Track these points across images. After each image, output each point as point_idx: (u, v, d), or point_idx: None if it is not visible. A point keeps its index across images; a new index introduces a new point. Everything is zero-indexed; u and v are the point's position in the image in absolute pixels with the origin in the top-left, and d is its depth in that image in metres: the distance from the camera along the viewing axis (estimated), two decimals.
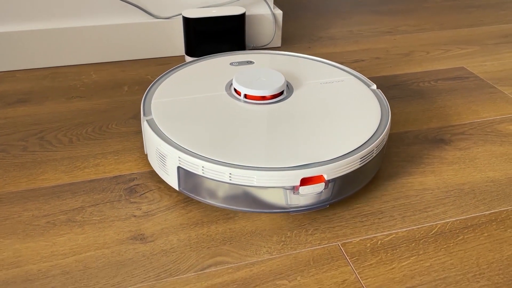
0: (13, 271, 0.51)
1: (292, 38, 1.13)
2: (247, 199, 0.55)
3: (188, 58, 0.99)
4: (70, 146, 0.72)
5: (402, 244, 0.56)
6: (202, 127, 0.60)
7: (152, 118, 0.62)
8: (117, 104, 0.83)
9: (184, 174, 0.56)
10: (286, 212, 0.57)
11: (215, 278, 0.51)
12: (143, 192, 0.62)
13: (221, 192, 0.55)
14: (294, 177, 0.53)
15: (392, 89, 0.91)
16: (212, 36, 0.97)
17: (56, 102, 0.83)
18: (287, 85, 0.71)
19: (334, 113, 0.64)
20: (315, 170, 0.54)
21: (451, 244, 0.56)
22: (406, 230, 0.58)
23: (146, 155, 0.67)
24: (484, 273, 0.52)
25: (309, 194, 0.55)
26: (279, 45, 1.08)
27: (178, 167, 0.56)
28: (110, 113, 0.81)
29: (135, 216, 0.59)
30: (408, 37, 1.16)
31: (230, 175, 0.53)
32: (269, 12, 1.03)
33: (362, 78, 0.75)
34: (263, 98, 0.66)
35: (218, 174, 0.54)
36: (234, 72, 0.74)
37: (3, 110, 0.81)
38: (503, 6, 1.41)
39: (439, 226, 0.58)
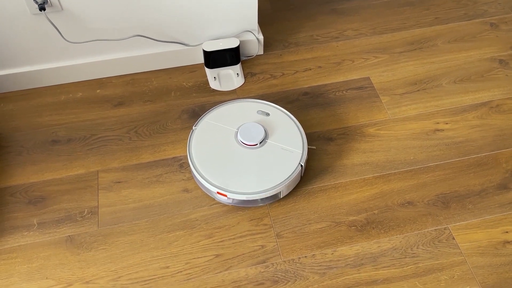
0: (142, 203, 1.37)
1: (270, 45, 1.80)
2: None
3: (206, 69, 1.70)
4: (150, 137, 1.52)
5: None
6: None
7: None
8: (169, 107, 1.60)
9: None
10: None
11: (219, 208, 1.36)
12: (186, 167, 1.44)
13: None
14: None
15: (319, 97, 1.63)
16: (220, 57, 1.67)
17: (138, 104, 1.61)
18: (265, 133, 1.37)
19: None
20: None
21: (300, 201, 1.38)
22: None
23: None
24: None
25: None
26: (262, 53, 1.77)
27: None
28: (167, 114, 1.58)
29: (183, 179, 1.42)
30: (346, 44, 1.80)
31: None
32: (255, 38, 1.70)
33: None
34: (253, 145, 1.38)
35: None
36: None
37: (112, 110, 1.59)
38: (430, 3, 1.97)
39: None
